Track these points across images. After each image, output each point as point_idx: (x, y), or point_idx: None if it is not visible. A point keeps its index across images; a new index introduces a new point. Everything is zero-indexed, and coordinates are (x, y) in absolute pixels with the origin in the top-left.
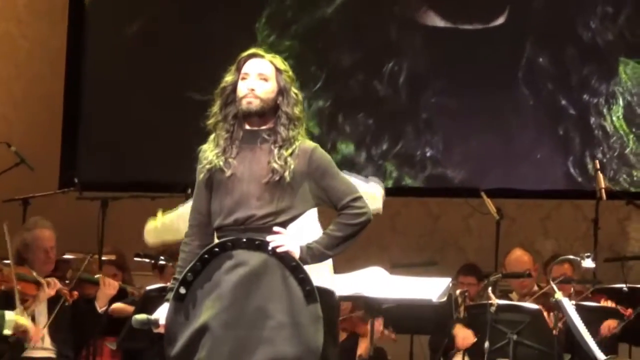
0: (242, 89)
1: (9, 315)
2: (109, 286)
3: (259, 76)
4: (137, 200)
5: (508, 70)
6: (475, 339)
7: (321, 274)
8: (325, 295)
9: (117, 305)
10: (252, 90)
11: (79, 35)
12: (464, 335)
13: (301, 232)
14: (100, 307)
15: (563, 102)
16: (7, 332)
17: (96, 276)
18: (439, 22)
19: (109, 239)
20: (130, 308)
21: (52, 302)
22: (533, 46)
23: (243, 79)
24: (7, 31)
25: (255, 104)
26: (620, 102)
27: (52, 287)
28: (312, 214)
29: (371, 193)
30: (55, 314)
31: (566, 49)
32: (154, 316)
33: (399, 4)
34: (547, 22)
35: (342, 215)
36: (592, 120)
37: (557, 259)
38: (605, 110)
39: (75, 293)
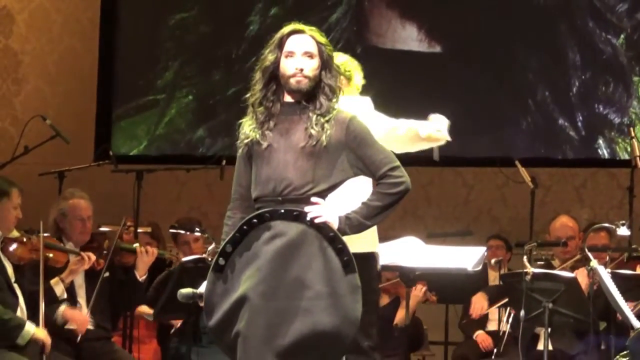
0: (288, 68)
1: (29, 327)
2: (147, 254)
3: (305, 54)
4: (171, 173)
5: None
6: (488, 310)
7: (365, 239)
8: (364, 260)
9: (140, 309)
10: (301, 70)
11: (112, 8)
12: (479, 305)
13: (356, 196)
14: (140, 275)
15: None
16: (19, 342)
17: (134, 245)
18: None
19: (143, 211)
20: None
21: (90, 275)
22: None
23: (288, 56)
24: (40, 5)
25: (305, 82)
26: None
27: (87, 261)
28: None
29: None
30: (94, 287)
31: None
32: (199, 290)
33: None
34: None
35: (381, 185)
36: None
37: (593, 227)
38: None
39: (102, 261)
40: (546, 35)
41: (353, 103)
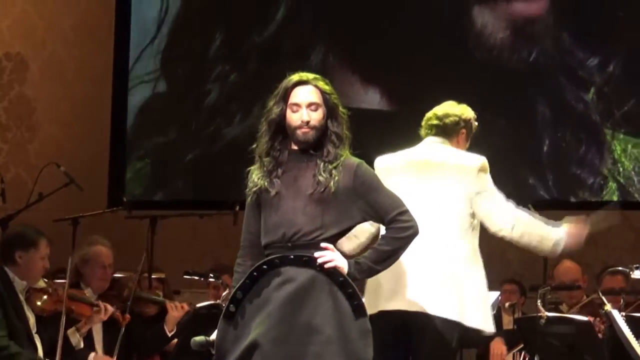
0: (294, 120)
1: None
2: (178, 309)
3: (310, 106)
4: (185, 219)
5: None
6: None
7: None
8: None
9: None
10: (307, 122)
11: (124, 55)
12: (498, 352)
13: None
14: (170, 330)
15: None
16: None
17: (155, 296)
18: None
19: (158, 257)
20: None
21: (108, 323)
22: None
23: (293, 108)
24: (54, 52)
25: (311, 134)
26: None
27: (106, 312)
28: None
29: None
30: (111, 334)
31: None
32: (212, 337)
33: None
34: None
35: (390, 230)
36: None
37: (606, 271)
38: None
39: (128, 316)
40: (514, 93)
41: (468, 158)
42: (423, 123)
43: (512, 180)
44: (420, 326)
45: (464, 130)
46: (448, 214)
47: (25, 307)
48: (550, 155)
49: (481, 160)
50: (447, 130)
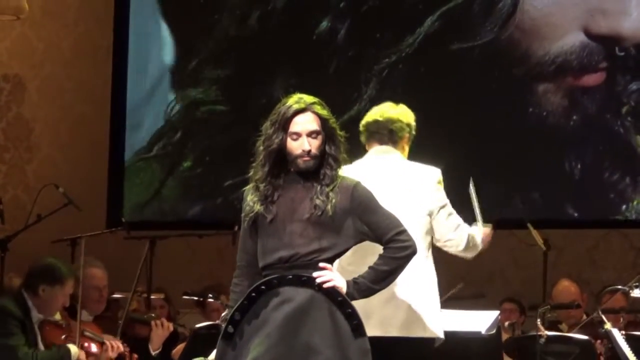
0: (295, 148)
1: (73, 349)
2: (163, 328)
3: (310, 134)
4: (184, 239)
5: None
6: None
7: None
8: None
9: (177, 349)
10: (308, 152)
11: (122, 77)
12: None
13: None
14: (154, 349)
15: None
16: None
17: (146, 316)
18: None
19: (157, 278)
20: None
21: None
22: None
23: (293, 137)
24: (52, 73)
25: (312, 162)
26: None
27: (114, 350)
28: None
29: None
30: None
31: None
32: (210, 358)
33: None
34: None
35: (388, 249)
36: None
37: (606, 289)
38: None
39: (136, 356)
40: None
41: (425, 172)
42: (362, 128)
43: (544, 200)
44: (401, 351)
45: (407, 135)
46: (414, 234)
47: (39, 339)
48: (582, 176)
49: (438, 173)
50: (393, 136)
